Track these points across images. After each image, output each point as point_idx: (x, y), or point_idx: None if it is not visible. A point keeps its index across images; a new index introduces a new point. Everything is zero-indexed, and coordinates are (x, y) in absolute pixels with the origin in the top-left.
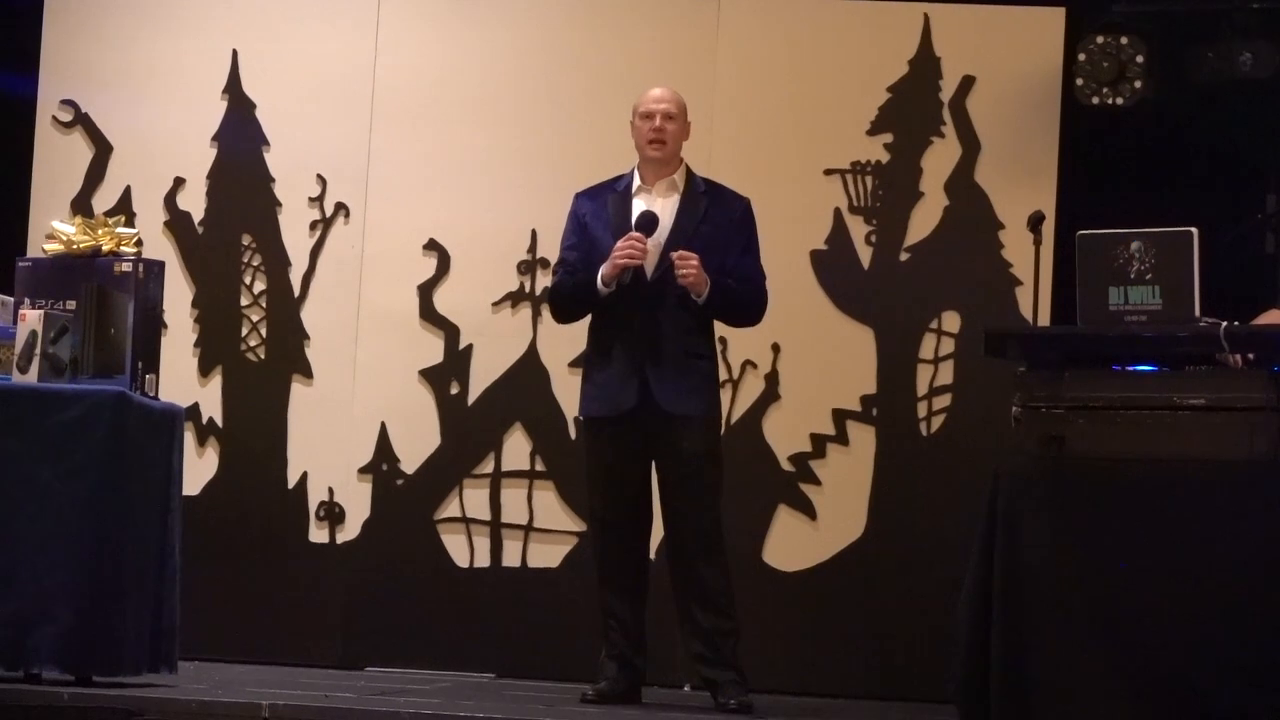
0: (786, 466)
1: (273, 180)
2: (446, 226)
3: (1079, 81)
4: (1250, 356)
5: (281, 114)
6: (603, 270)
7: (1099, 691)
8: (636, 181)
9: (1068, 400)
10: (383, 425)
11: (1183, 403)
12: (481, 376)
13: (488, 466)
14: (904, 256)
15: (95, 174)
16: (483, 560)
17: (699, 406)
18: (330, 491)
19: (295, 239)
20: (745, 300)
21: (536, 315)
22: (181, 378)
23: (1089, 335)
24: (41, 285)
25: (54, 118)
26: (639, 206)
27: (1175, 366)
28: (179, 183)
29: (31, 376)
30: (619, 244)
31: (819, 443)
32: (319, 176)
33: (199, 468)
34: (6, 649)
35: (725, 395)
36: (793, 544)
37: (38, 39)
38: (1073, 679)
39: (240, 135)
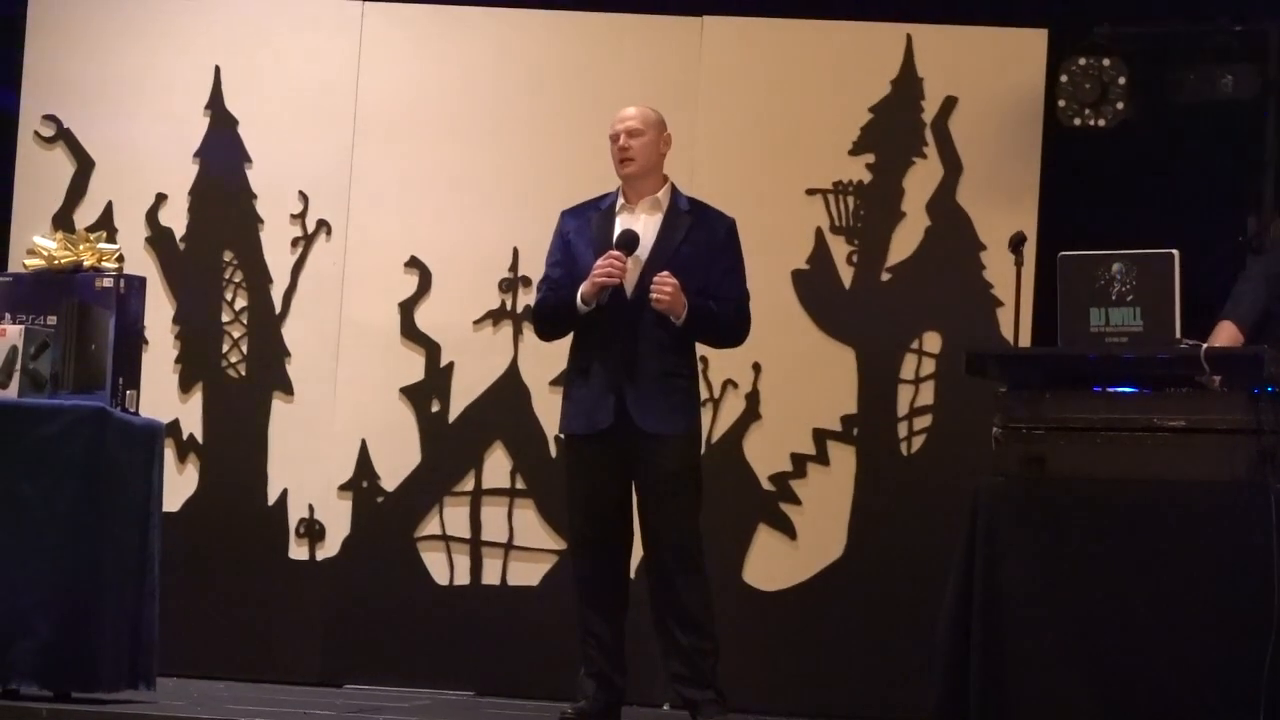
0: (767, 486)
1: (254, 197)
2: (428, 243)
3: (1061, 102)
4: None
5: (264, 130)
6: (582, 288)
7: (1078, 712)
8: (620, 200)
9: (1048, 421)
10: (363, 442)
11: (1162, 424)
12: (462, 394)
13: (468, 484)
14: (885, 277)
15: (77, 189)
16: (463, 578)
17: (676, 425)
18: (310, 508)
19: (277, 255)
20: (725, 322)
21: (518, 333)
22: (162, 394)
23: (1070, 356)
24: (22, 300)
25: (36, 132)
26: (621, 225)
27: (1155, 388)
28: (161, 199)
29: (12, 392)
30: (598, 262)
31: (799, 462)
32: (301, 193)
33: (179, 484)
34: None
35: (706, 414)
36: (773, 563)
37: (20, 53)
38: (1052, 700)
39: (222, 151)
